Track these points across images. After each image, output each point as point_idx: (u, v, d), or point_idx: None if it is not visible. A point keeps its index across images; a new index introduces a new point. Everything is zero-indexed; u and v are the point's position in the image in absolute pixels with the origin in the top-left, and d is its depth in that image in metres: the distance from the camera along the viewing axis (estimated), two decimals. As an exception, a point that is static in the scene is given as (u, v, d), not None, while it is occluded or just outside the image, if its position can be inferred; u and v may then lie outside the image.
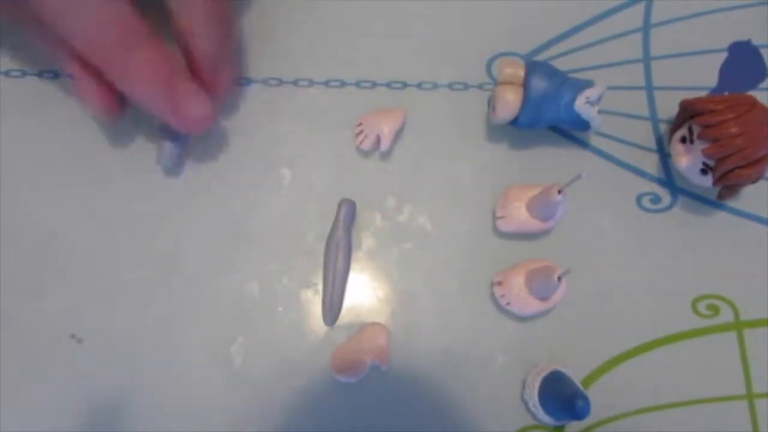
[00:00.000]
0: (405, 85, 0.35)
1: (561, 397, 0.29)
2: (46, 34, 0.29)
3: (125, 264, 0.32)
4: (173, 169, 0.33)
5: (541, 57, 0.36)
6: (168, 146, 0.32)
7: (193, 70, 0.30)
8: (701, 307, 0.33)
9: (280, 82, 0.35)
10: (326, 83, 0.35)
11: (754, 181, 0.31)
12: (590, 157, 0.35)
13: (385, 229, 0.33)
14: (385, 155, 0.34)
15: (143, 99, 0.29)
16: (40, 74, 0.35)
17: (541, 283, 0.30)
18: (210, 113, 0.30)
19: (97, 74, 0.29)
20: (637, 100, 0.36)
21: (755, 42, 0.37)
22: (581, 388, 0.30)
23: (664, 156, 0.35)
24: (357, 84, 0.35)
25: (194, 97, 0.30)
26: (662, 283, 0.33)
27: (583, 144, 0.35)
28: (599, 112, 0.32)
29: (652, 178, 0.35)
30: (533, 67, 0.32)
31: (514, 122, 0.33)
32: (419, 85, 0.35)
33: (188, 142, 0.33)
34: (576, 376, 0.31)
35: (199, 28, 0.30)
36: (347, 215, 0.32)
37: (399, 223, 0.34)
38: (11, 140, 0.34)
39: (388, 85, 0.35)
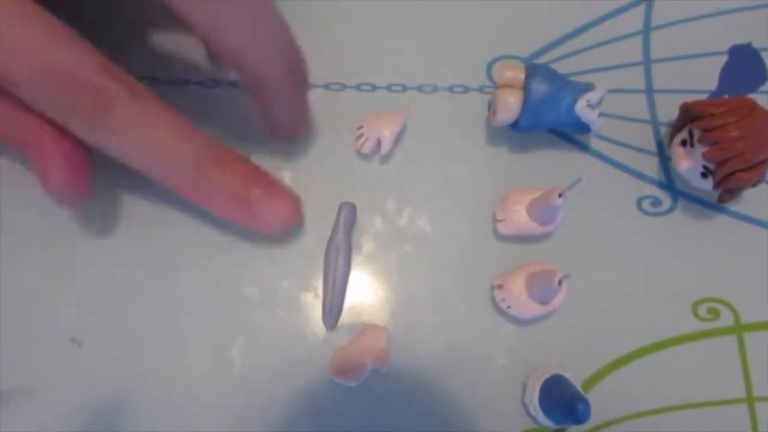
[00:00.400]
0: (405, 88, 0.35)
1: (561, 400, 0.29)
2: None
3: (124, 266, 0.32)
4: None
5: (541, 60, 0.36)
6: None
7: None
8: (701, 310, 0.33)
9: (281, 84, 0.35)
10: (326, 86, 0.35)
11: (754, 185, 0.31)
12: (590, 160, 0.35)
13: (385, 232, 0.33)
14: (386, 158, 0.34)
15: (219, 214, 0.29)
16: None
17: (542, 286, 0.30)
18: (294, 212, 0.30)
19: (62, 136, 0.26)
20: (638, 103, 0.36)
21: (756, 45, 0.37)
22: (582, 391, 0.30)
23: (665, 159, 0.35)
24: (357, 87, 0.35)
25: (274, 202, 0.29)
26: (662, 286, 0.33)
27: (584, 147, 0.35)
28: (599, 115, 0.32)
29: (652, 182, 0.35)
30: (533, 70, 0.32)
31: (514, 125, 0.33)
32: (419, 88, 0.35)
33: None
34: (576, 379, 0.31)
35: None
36: (347, 219, 0.32)
37: (399, 226, 0.34)
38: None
39: (388, 88, 0.35)
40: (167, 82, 0.35)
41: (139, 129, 0.26)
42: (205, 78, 0.35)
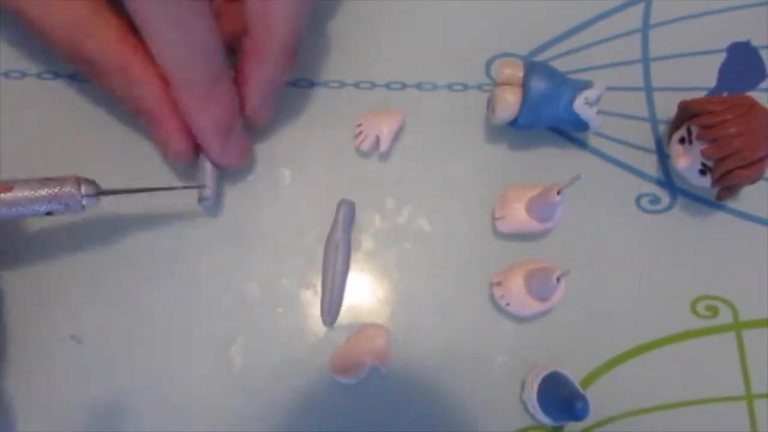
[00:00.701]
0: (404, 85, 0.35)
1: (560, 397, 0.29)
2: (124, 69, 0.29)
3: (124, 264, 0.32)
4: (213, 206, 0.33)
5: (540, 57, 0.36)
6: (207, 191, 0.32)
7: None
8: (700, 307, 0.33)
9: (280, 82, 0.35)
10: (325, 84, 0.35)
11: (753, 182, 0.31)
12: (589, 158, 0.35)
13: (384, 230, 0.33)
14: (385, 156, 0.34)
15: (202, 135, 0.30)
16: (39, 75, 0.35)
17: (541, 283, 0.30)
18: (245, 161, 0.32)
19: (177, 113, 0.30)
20: (636, 100, 0.36)
21: (754, 43, 0.37)
22: (580, 389, 0.30)
23: (663, 157, 0.35)
24: (356, 85, 0.35)
25: (242, 145, 0.31)
26: (661, 283, 0.33)
27: (582, 144, 0.35)
28: (598, 112, 0.32)
29: (651, 179, 0.35)
30: (532, 67, 0.32)
31: (513, 123, 0.33)
32: (418, 86, 0.35)
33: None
34: (575, 376, 0.31)
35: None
36: (346, 216, 0.32)
37: (398, 223, 0.34)
38: (11, 140, 0.34)
39: (387, 85, 0.35)
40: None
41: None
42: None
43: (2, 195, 0.27)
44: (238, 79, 0.30)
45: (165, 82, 0.29)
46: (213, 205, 0.32)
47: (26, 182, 0.27)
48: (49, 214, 0.28)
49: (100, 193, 0.29)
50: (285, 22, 0.29)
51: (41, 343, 0.31)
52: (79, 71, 0.32)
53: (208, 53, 0.28)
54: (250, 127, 0.32)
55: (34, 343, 0.31)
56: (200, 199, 0.31)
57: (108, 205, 0.33)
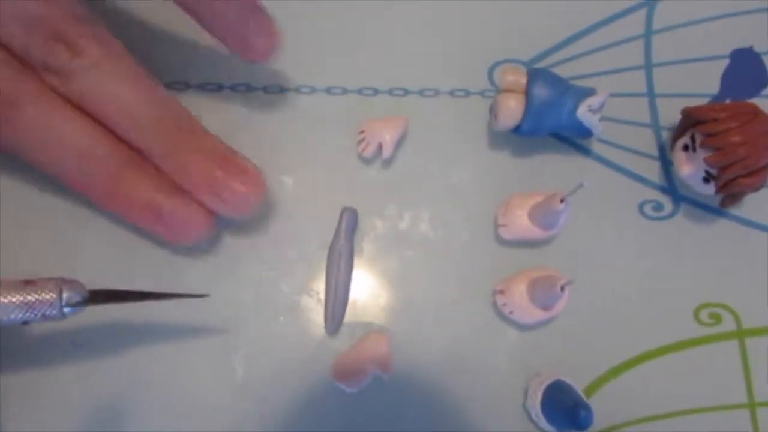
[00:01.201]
0: (407, 92, 0.35)
1: (563, 406, 0.29)
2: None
3: (125, 271, 0.32)
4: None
5: (543, 64, 0.36)
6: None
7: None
8: (703, 315, 0.33)
9: (281, 89, 0.35)
10: (328, 90, 0.35)
11: (756, 190, 0.31)
12: (592, 165, 0.35)
13: (386, 237, 0.33)
14: (387, 163, 0.34)
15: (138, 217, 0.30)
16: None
17: (544, 292, 0.30)
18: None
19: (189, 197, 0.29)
20: (639, 107, 0.36)
21: (757, 49, 0.37)
22: (584, 397, 0.30)
23: (666, 164, 0.35)
24: (359, 91, 0.35)
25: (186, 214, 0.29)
26: (664, 291, 0.33)
27: (585, 151, 0.35)
28: (601, 119, 0.32)
29: (654, 186, 0.35)
30: (535, 74, 0.32)
31: (516, 130, 0.32)
32: (421, 92, 0.35)
33: None
34: (578, 385, 0.31)
35: None
36: (349, 223, 0.32)
37: (400, 230, 0.33)
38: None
39: (389, 92, 0.35)
40: (166, 86, 0.35)
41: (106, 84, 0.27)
42: (206, 81, 0.35)
43: None
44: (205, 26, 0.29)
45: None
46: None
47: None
48: (25, 323, 0.25)
49: (85, 303, 0.25)
50: None
51: (40, 348, 0.31)
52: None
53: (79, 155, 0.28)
54: (253, 62, 0.30)
55: (33, 347, 0.31)
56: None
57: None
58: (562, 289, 0.29)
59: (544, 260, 0.33)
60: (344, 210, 0.32)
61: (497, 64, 0.36)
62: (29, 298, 0.24)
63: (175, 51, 0.35)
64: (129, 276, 0.32)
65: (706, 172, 0.31)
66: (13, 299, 0.24)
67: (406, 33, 0.36)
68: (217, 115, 0.34)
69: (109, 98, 0.28)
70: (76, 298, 0.25)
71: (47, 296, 0.24)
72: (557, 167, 0.34)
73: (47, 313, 0.24)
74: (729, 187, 0.31)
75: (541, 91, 0.31)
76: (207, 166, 0.29)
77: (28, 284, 0.24)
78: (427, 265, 0.33)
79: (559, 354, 0.32)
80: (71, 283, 0.25)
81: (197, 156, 0.29)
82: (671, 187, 0.35)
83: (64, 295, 0.24)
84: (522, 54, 0.36)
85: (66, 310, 0.24)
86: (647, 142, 0.35)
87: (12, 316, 0.24)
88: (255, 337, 0.32)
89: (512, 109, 0.32)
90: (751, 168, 0.30)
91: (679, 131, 0.33)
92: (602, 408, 0.30)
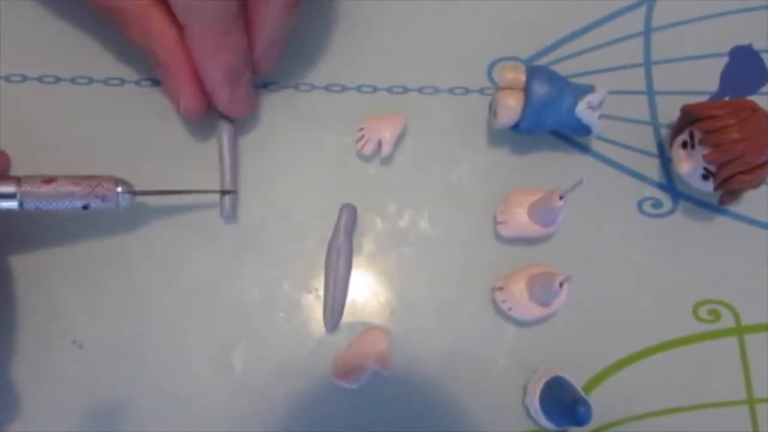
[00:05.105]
0: (406, 89, 0.35)
1: (562, 402, 0.29)
2: (143, 19, 0.30)
3: (125, 270, 0.32)
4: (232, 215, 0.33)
5: (542, 61, 0.36)
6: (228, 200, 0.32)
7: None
8: (702, 312, 0.33)
9: (281, 86, 0.35)
10: (327, 88, 0.35)
11: (755, 187, 0.31)
12: (591, 162, 0.35)
13: (385, 234, 0.33)
14: (386, 160, 0.34)
15: (212, 82, 0.30)
16: (40, 79, 0.35)
17: (543, 288, 0.30)
18: (251, 110, 0.33)
19: (191, 68, 0.30)
20: (638, 104, 0.36)
21: (756, 46, 0.37)
22: (582, 393, 0.30)
23: (666, 161, 0.35)
24: (358, 89, 0.35)
25: (249, 94, 0.32)
26: (663, 288, 0.33)
27: (584, 149, 0.35)
28: (600, 116, 0.32)
29: (653, 183, 0.35)
30: (534, 71, 0.32)
31: (515, 127, 0.33)
32: (420, 90, 0.35)
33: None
34: (577, 381, 0.31)
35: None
36: (348, 221, 0.32)
37: (400, 227, 0.33)
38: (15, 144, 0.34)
39: (389, 89, 0.35)
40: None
41: None
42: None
43: (45, 186, 0.28)
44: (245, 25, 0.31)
45: (181, 36, 0.30)
46: (230, 214, 0.33)
47: (67, 177, 0.29)
48: (85, 208, 0.29)
49: (135, 192, 0.30)
50: None
51: (43, 348, 0.31)
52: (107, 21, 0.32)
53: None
54: (256, 73, 0.32)
55: (37, 348, 0.31)
56: (222, 210, 0.32)
57: (109, 209, 0.33)
58: (561, 285, 0.29)
59: (543, 257, 0.33)
60: (343, 207, 0.33)
61: (496, 61, 0.36)
62: (93, 186, 0.29)
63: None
64: (131, 272, 0.32)
65: (705, 169, 0.31)
66: (80, 186, 0.29)
67: (405, 31, 0.36)
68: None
69: None
70: (128, 190, 0.30)
71: (106, 185, 0.29)
72: (556, 164, 0.34)
73: (107, 198, 0.29)
74: (728, 184, 0.31)
75: (540, 89, 0.31)
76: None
77: (90, 177, 0.29)
78: (426, 262, 0.33)
79: (558, 350, 0.32)
80: (123, 181, 0.30)
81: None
82: (670, 184, 0.35)
83: (119, 187, 0.29)
84: (521, 51, 0.36)
85: (120, 199, 0.29)
86: (646, 139, 0.35)
87: (76, 200, 0.29)
88: (254, 334, 0.32)
89: (511, 107, 0.32)
90: (749, 165, 0.30)
91: (678, 128, 0.33)
92: (601, 404, 0.30)
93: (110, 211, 0.30)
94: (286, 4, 0.30)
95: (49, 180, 0.29)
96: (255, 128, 0.34)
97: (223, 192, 0.32)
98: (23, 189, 0.28)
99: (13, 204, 0.28)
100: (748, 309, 0.33)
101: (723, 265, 0.34)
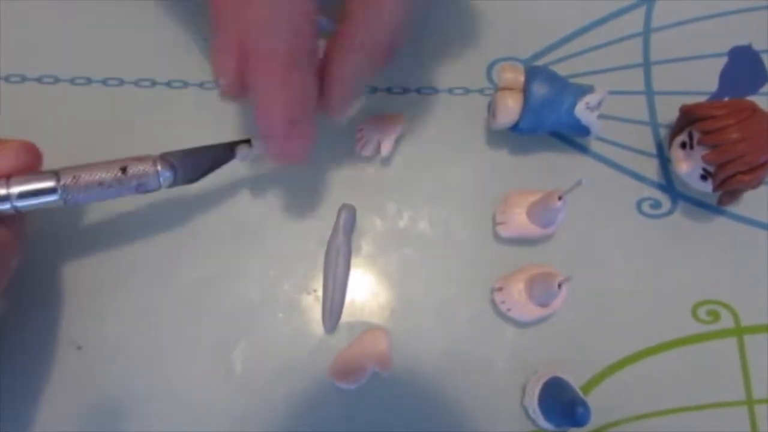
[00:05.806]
0: (405, 90, 0.35)
1: (561, 403, 0.29)
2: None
3: (125, 270, 0.32)
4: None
5: (541, 62, 0.36)
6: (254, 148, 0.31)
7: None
8: (701, 312, 0.33)
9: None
10: (326, 88, 0.35)
11: (754, 187, 0.31)
12: (590, 163, 0.35)
13: (385, 235, 0.33)
14: (386, 161, 0.34)
15: (267, 120, 0.28)
16: (39, 79, 0.35)
17: (542, 289, 0.30)
18: (303, 158, 0.29)
19: (241, 57, 0.27)
20: (637, 105, 0.36)
21: (755, 47, 0.37)
22: (581, 394, 0.30)
23: (665, 161, 0.35)
24: (357, 89, 0.35)
25: (305, 141, 0.29)
26: (662, 288, 0.33)
27: (584, 149, 0.35)
28: (599, 117, 0.32)
29: (652, 184, 0.35)
30: (533, 72, 0.32)
31: (514, 128, 0.33)
32: (419, 91, 0.35)
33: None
34: (576, 382, 0.31)
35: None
36: (347, 221, 0.32)
37: (399, 228, 0.34)
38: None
39: (388, 90, 0.35)
40: (167, 84, 0.35)
41: None
42: (206, 80, 0.35)
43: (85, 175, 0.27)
44: (321, 66, 0.28)
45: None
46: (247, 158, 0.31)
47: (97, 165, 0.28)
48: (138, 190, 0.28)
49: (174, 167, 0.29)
50: (390, 13, 0.27)
51: (42, 350, 0.31)
52: None
53: (296, 29, 0.26)
54: (326, 117, 0.29)
55: (36, 349, 0.31)
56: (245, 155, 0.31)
57: (107, 209, 0.33)
58: (560, 286, 0.29)
59: (542, 258, 0.33)
60: (342, 207, 0.33)
61: (496, 62, 0.36)
62: (134, 162, 0.28)
63: (174, 52, 0.35)
64: (130, 273, 0.32)
65: (704, 169, 0.31)
66: (120, 173, 0.28)
67: (404, 30, 0.36)
68: (215, 114, 0.34)
69: None
70: (168, 166, 0.29)
71: (147, 167, 0.28)
72: (555, 165, 0.34)
73: (149, 171, 0.28)
74: (727, 185, 0.31)
75: (539, 89, 0.31)
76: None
77: (128, 159, 0.28)
78: (425, 262, 0.33)
79: (557, 351, 0.32)
80: (161, 159, 0.29)
81: None
82: (669, 184, 0.35)
83: (159, 166, 0.28)
84: (520, 52, 0.36)
85: (162, 179, 0.28)
86: (645, 139, 0.35)
87: (124, 186, 0.28)
88: (254, 334, 0.32)
89: (510, 107, 0.32)
90: (749, 165, 0.30)
91: (677, 129, 0.33)
92: (600, 405, 0.30)
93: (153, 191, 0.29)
94: (374, 56, 0.27)
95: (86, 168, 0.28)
96: (254, 128, 0.34)
97: (240, 142, 0.30)
98: (62, 183, 0.27)
99: (53, 198, 0.27)
100: (747, 309, 0.33)
101: (722, 265, 0.34)
